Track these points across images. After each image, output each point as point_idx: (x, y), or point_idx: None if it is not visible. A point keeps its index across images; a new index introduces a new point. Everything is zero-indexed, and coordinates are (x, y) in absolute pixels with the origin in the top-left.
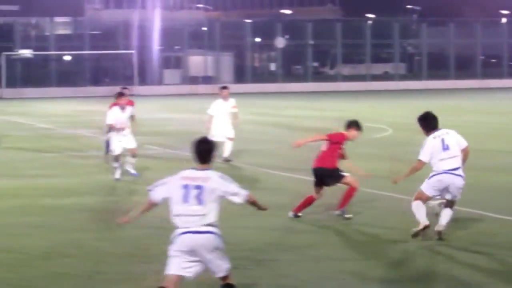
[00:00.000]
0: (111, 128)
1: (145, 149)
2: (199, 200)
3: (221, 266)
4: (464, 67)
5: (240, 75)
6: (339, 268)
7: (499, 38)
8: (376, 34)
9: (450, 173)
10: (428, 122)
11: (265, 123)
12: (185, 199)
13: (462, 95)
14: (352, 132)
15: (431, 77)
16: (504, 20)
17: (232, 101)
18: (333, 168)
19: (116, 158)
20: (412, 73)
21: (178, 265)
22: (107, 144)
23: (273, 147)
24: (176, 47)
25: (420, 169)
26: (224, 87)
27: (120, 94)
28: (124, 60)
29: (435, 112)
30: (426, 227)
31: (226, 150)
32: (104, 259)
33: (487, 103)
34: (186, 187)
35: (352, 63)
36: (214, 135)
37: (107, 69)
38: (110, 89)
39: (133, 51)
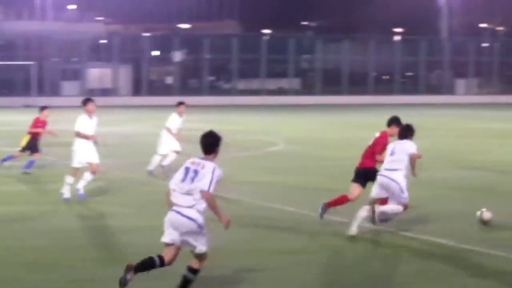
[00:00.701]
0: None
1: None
2: (192, 180)
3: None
4: (357, 83)
5: (137, 88)
6: None
7: (392, 55)
8: (272, 49)
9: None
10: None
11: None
12: (184, 178)
13: (354, 110)
14: (394, 129)
15: (325, 92)
16: (397, 37)
17: (184, 116)
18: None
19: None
20: (306, 89)
21: (168, 235)
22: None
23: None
24: (75, 59)
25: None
26: (181, 103)
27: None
28: (23, 71)
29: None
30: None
31: (167, 160)
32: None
33: (376, 118)
34: (187, 169)
35: (247, 78)
36: (162, 148)
37: (5, 80)
38: (9, 100)
39: (32, 63)
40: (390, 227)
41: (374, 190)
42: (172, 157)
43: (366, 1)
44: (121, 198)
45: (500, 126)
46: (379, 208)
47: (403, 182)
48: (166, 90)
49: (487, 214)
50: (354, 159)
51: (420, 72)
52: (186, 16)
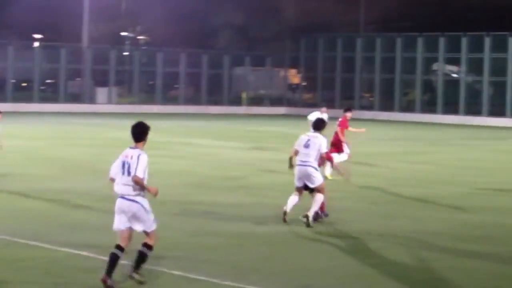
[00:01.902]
0: None
1: None
2: (128, 172)
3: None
4: None
5: None
6: None
7: (31, 62)
8: None
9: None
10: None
11: None
12: (122, 172)
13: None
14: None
15: None
16: (37, 43)
17: None
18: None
19: None
20: None
21: (118, 222)
22: None
23: None
24: None
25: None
26: None
27: None
28: None
29: None
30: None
31: None
32: None
33: (14, 127)
34: (123, 162)
35: None
36: None
37: None
38: None
39: None
40: None
41: None
42: None
43: (4, 3)
44: None
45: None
46: None
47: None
48: None
49: None
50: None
51: (61, 79)
52: None
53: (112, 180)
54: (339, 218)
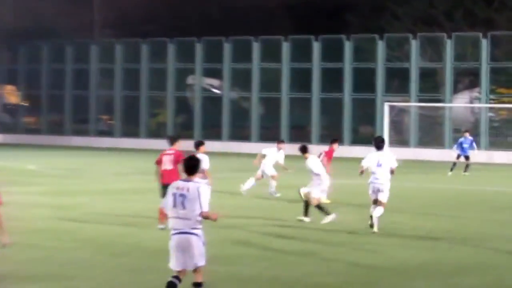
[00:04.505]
0: None
1: None
2: (183, 205)
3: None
4: None
5: None
6: None
7: None
8: None
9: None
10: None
11: None
12: (174, 204)
13: None
14: None
15: None
16: None
17: None
18: None
19: None
20: None
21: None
22: None
23: None
24: None
25: None
26: None
27: None
28: None
29: None
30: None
31: None
32: None
33: None
34: (174, 195)
35: None
36: None
37: None
38: None
39: None
40: None
41: None
42: None
43: None
44: None
45: None
46: None
47: None
48: None
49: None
50: None
51: None
52: None
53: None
54: None
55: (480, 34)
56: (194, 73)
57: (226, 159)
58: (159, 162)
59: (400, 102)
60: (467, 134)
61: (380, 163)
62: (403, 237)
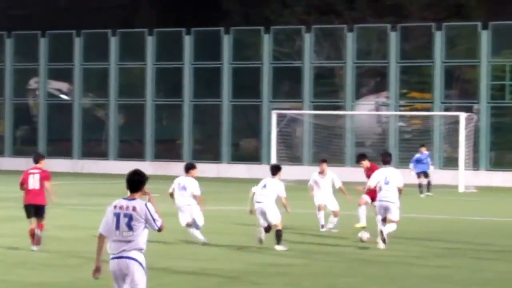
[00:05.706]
0: None
1: None
2: (129, 226)
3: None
4: None
5: None
6: None
7: None
8: None
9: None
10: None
11: None
12: (117, 226)
13: None
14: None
15: None
16: None
17: None
18: None
19: None
20: None
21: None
22: None
23: None
24: None
25: None
26: None
27: None
28: None
29: None
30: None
31: None
32: None
33: None
34: (117, 215)
35: None
36: None
37: None
38: None
39: None
40: None
41: None
42: None
43: None
44: None
45: None
46: None
47: None
48: None
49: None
50: None
51: None
52: None
53: (101, 238)
54: None
55: (388, 26)
56: (38, 75)
57: (77, 180)
58: (24, 182)
59: (291, 110)
60: (423, 149)
61: (388, 180)
62: None
